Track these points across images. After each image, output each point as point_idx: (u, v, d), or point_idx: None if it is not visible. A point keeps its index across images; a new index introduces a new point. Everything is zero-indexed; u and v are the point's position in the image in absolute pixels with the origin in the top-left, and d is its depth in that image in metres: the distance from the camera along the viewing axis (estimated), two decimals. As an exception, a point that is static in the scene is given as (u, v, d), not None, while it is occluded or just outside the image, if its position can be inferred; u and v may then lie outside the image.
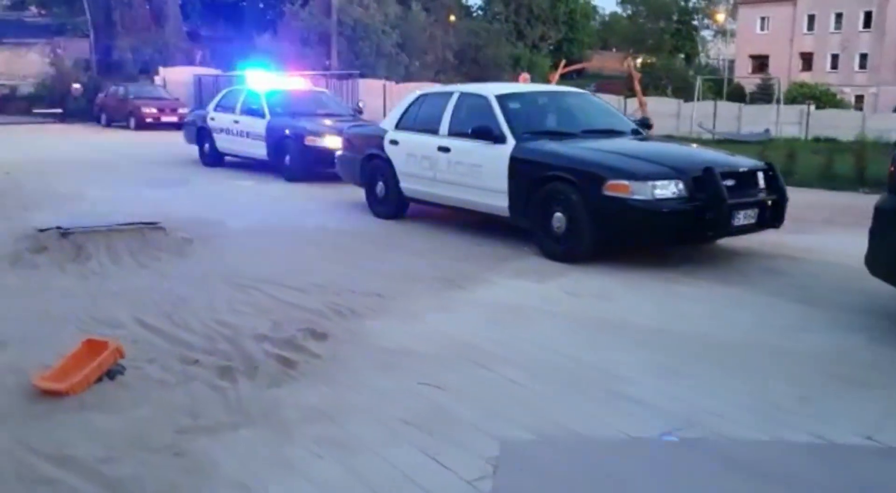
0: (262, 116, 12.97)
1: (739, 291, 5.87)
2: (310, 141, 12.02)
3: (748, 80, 60.87)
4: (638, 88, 24.07)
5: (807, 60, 66.01)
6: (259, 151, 12.96)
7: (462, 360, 4.32)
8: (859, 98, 59.03)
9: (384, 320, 5.07)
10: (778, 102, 26.91)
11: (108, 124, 25.92)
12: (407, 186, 8.48)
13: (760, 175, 6.64)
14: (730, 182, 6.29)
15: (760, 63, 67.67)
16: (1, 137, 20.62)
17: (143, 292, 5.66)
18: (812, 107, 31.24)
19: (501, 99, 7.59)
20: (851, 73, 62.34)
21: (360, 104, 14.17)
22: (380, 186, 8.91)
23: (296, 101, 13.72)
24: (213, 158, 14.27)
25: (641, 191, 6.11)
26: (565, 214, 6.56)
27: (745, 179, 6.52)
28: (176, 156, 16.04)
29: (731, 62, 68.98)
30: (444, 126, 7.98)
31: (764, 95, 53.37)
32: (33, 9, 44.56)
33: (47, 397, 3.69)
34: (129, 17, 35.48)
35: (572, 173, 6.47)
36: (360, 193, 10.01)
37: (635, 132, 7.91)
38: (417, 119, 8.50)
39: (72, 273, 6.20)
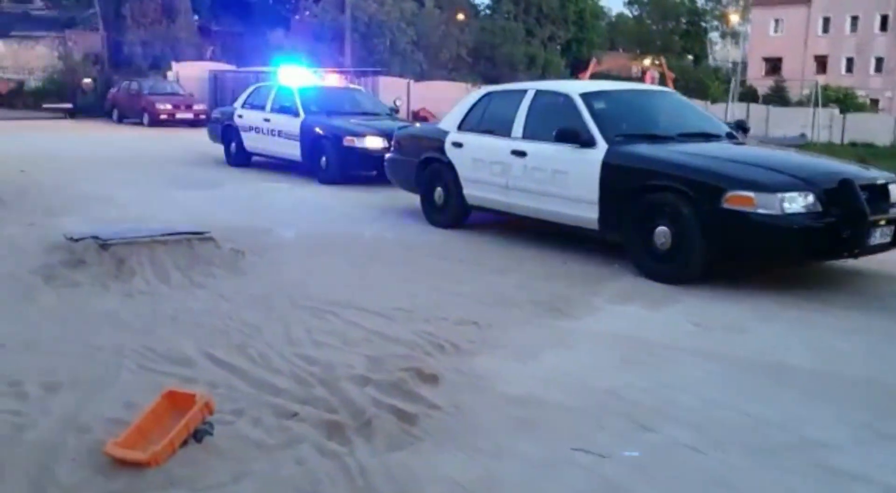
0: (296, 114, 12.21)
1: (886, 321, 5.11)
2: (349, 142, 11.26)
3: (761, 83, 60.19)
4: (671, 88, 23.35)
5: (821, 63, 65.31)
6: (292, 151, 12.20)
7: (612, 415, 3.56)
8: (874, 102, 58.29)
9: (494, 357, 4.31)
10: (816, 104, 26.01)
11: (120, 120, 25.15)
12: (472, 193, 7.72)
13: (893, 188, 5.88)
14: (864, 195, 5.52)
15: (773, 65, 67.00)
16: (11, 132, 19.86)
17: (204, 316, 4.91)
18: (836, 110, 30.49)
19: (587, 97, 6.82)
20: (866, 76, 61.61)
21: (397, 102, 13.40)
22: (438, 193, 8.15)
23: (330, 98, 12.95)
24: (240, 158, 13.51)
25: (768, 204, 5.35)
26: (671, 228, 5.80)
27: (880, 193, 5.76)
28: (198, 154, 15.31)
29: (736, 64, 68.25)
30: (518, 128, 7.22)
31: (777, 97, 52.64)
32: (39, 1, 43.80)
33: (124, 468, 2.93)
34: (139, 11, 34.68)
35: (684, 183, 5.70)
36: (404, 198, 9.36)
37: (730, 136, 7.15)
38: (484, 120, 7.74)
39: (116, 292, 5.44)
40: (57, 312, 5.01)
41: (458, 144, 7.83)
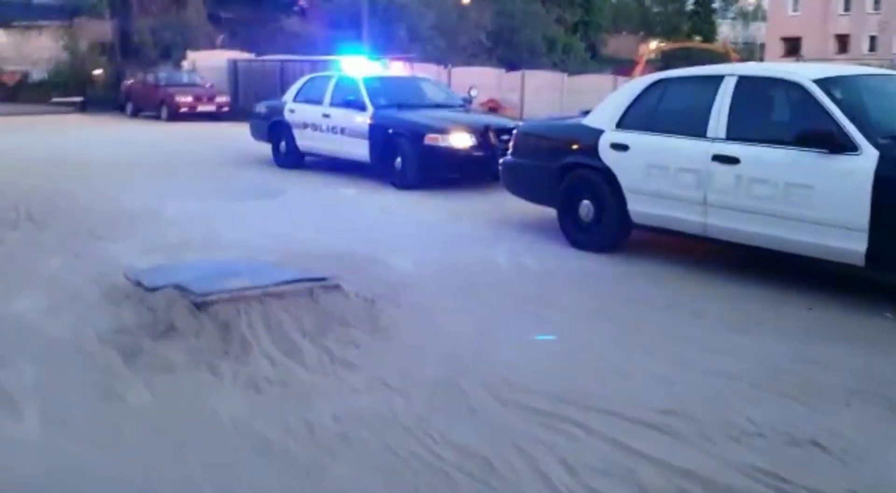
0: (362, 108, 10.46)
1: None
2: (431, 140, 9.53)
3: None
4: None
5: (842, 42, 63.61)
6: (358, 151, 10.47)
7: None
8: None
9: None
10: None
11: (135, 114, 23.35)
12: (641, 209, 6.02)
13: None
14: None
15: (792, 46, 65.21)
16: (21, 128, 18.11)
17: (386, 432, 3.22)
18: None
19: (826, 86, 5.09)
20: (890, 54, 59.77)
21: (472, 92, 11.66)
22: (586, 208, 6.44)
23: (399, 90, 11.20)
24: (292, 159, 11.76)
25: None
26: None
27: None
28: (237, 154, 13.56)
29: (747, 45, 66.50)
30: (718, 125, 5.49)
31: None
32: (39, -10, 41.82)
33: None
34: (147, -2, 32.80)
35: None
36: (509, 206, 7.84)
37: None
38: (659, 115, 6.02)
39: (233, 381, 3.74)
40: (159, 425, 3.31)
41: (620, 147, 6.11)
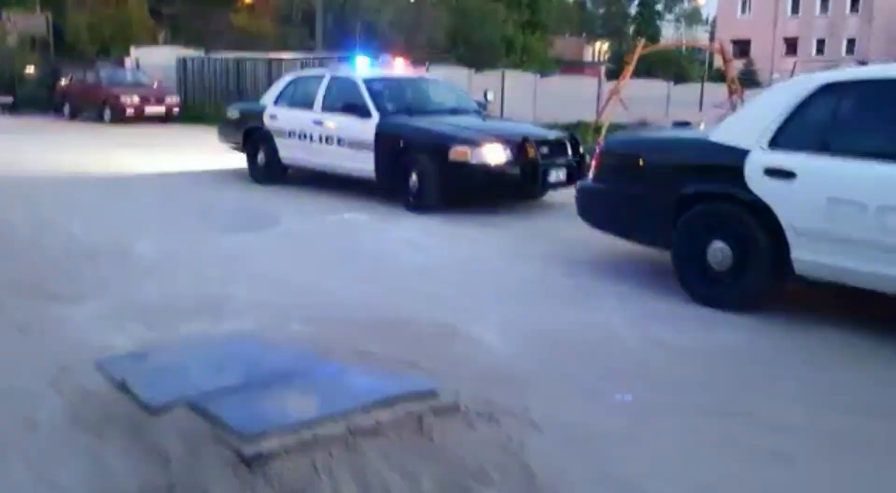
0: (366, 114, 8.68)
1: None
2: (458, 155, 7.82)
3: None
4: (732, 72, 20.26)
5: (791, 45, 63.93)
6: (361, 165, 8.69)
7: None
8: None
9: None
10: None
11: (74, 116, 21.01)
12: (813, 258, 4.43)
13: None
14: None
15: (741, 48, 65.22)
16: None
17: None
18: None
19: None
20: (838, 57, 60.14)
21: (489, 96, 9.95)
22: (719, 251, 4.83)
23: (406, 92, 9.43)
24: (272, 173, 9.91)
25: None
26: None
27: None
28: (202, 164, 11.62)
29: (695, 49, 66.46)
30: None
31: (748, 81, 50.49)
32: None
33: None
34: (82, -10, 30.21)
35: None
36: (566, 236, 6.40)
37: None
38: (838, 130, 4.44)
39: None
40: None
41: (780, 173, 4.50)
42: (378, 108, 8.71)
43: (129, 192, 9.30)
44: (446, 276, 5.73)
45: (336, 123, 8.99)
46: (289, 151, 9.65)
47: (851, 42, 61.03)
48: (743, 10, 67.62)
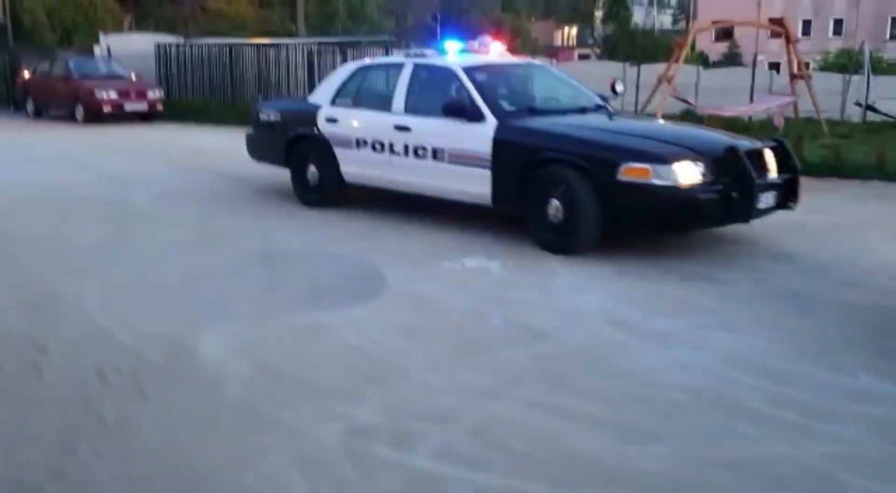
0: (477, 116, 6.27)
1: None
2: (634, 174, 5.48)
3: (712, 48, 57.12)
4: (800, 56, 17.93)
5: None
6: (471, 186, 6.31)
7: None
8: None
9: None
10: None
11: (39, 115, 18.24)
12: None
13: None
14: None
15: (724, 30, 63.81)
16: None
17: None
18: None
19: None
20: (825, 39, 58.80)
21: (618, 88, 7.50)
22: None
23: (520, 86, 7.07)
24: (328, 193, 7.48)
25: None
26: None
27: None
28: (213, 178, 9.13)
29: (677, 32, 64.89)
30: None
31: (731, 63, 48.78)
32: None
33: None
34: (39, -29, 27.11)
35: None
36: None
37: None
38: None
39: None
40: None
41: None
42: (492, 108, 6.31)
43: (142, 226, 6.79)
44: (736, 409, 3.35)
45: (429, 128, 6.58)
46: (356, 166, 7.20)
47: (839, 23, 59.91)
48: (725, -9, 66.13)
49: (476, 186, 6.29)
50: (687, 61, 18.65)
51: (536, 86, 7.24)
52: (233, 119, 15.76)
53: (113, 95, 16.54)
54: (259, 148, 8.26)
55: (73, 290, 4.85)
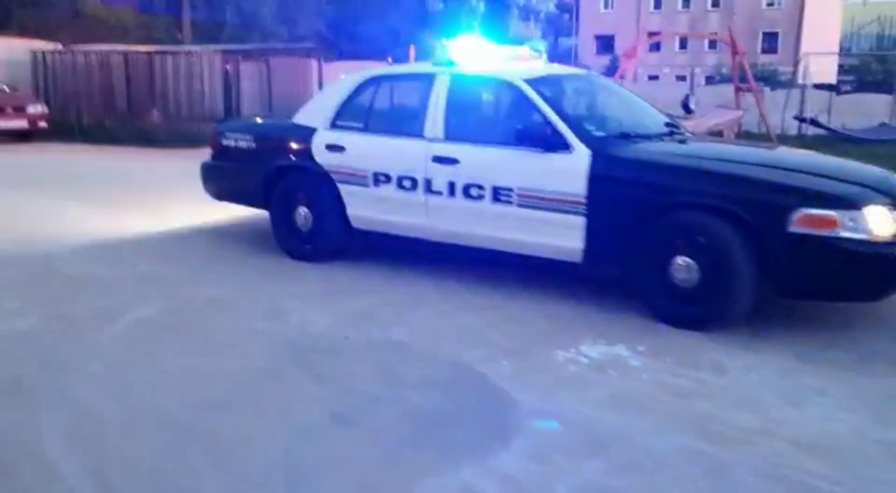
0: (560, 145, 4.64)
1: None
2: (815, 223, 4.01)
3: (593, 62, 57.89)
4: (747, 68, 17.13)
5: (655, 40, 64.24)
6: (553, 237, 4.69)
7: None
8: (710, 79, 57.45)
9: None
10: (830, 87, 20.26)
11: None
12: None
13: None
14: None
15: (605, 43, 64.89)
16: None
17: None
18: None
19: None
20: (701, 53, 60.63)
21: (691, 104, 5.97)
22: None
23: (592, 104, 5.48)
24: (329, 244, 5.66)
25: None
26: None
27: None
28: (142, 214, 7.10)
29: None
30: None
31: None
32: None
33: None
34: None
35: None
36: None
37: None
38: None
39: None
40: None
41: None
42: (579, 134, 4.70)
43: (80, 307, 4.77)
44: None
45: (487, 161, 4.90)
46: (370, 209, 5.42)
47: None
48: (606, 6, 67.51)
49: (562, 238, 4.66)
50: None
51: (603, 103, 5.69)
52: (132, 139, 13.69)
53: (-16, 111, 13.87)
54: (222, 183, 6.30)
55: None
